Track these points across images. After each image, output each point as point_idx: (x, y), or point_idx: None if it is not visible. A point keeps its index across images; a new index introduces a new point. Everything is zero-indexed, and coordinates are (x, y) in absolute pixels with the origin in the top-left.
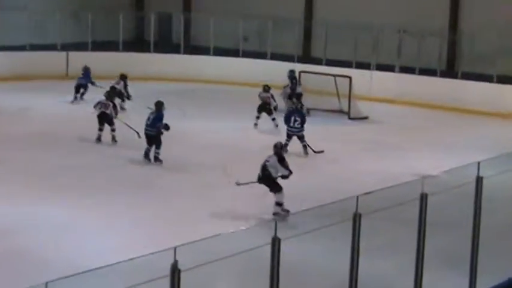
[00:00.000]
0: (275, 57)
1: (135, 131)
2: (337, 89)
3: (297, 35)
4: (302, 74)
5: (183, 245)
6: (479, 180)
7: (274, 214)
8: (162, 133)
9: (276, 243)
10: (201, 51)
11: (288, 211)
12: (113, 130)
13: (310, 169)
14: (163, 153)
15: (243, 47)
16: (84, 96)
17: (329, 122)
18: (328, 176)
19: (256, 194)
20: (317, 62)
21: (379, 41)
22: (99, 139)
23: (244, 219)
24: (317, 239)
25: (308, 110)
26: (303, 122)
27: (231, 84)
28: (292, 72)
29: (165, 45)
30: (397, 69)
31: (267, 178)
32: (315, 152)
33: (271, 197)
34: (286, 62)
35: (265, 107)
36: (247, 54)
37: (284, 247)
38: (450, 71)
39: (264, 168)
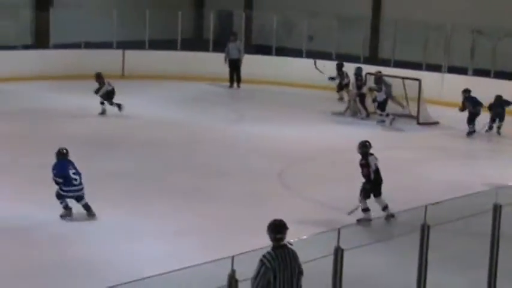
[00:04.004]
0: (341, 57)
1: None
2: (405, 92)
3: (364, 34)
4: (368, 75)
5: (241, 254)
6: None
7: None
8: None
9: (338, 253)
10: (263, 50)
11: (393, 215)
12: None
13: None
14: (208, 158)
15: (307, 47)
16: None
17: (396, 127)
18: (393, 184)
19: (312, 204)
20: (385, 63)
21: (451, 41)
22: None
23: (302, 229)
24: (381, 251)
25: (368, 114)
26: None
27: (290, 86)
28: (359, 69)
29: (225, 44)
30: (470, 72)
31: (379, 181)
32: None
33: (329, 208)
34: (352, 63)
35: None
36: (312, 55)
37: (346, 259)
38: None
39: (378, 172)
